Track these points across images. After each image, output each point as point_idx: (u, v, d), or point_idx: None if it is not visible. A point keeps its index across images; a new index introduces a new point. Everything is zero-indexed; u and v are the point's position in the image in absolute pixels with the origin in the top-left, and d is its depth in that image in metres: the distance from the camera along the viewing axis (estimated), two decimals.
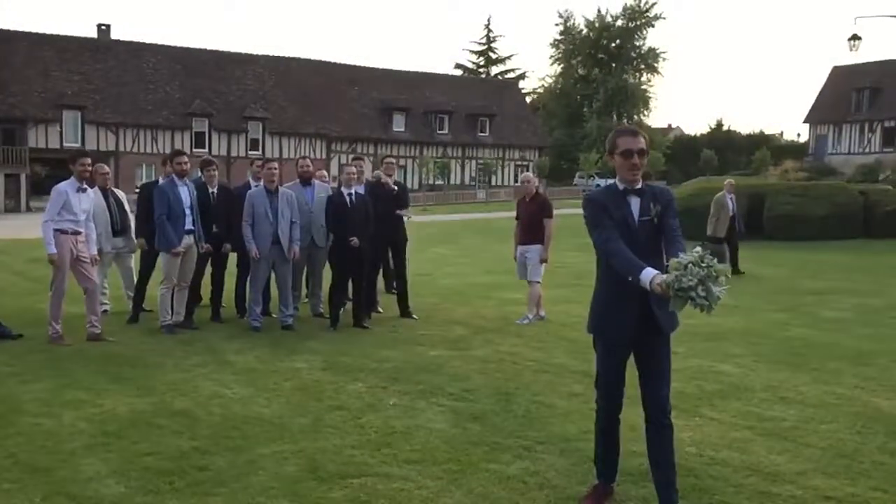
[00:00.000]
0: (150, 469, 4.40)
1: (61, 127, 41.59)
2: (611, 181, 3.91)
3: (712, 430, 5.21)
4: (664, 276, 3.41)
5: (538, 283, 9.32)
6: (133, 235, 9.33)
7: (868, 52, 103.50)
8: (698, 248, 3.42)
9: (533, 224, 9.28)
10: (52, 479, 4.25)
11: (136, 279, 9.33)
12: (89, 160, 7.94)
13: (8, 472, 4.34)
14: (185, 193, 8.30)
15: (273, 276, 8.76)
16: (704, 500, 4.04)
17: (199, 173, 9.13)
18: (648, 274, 3.48)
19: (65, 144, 41.48)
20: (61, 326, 7.76)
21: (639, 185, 3.78)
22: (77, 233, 7.71)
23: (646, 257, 3.67)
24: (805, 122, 56.64)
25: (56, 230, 7.59)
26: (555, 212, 9.49)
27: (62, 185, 7.78)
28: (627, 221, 3.74)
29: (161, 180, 9.07)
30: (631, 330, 3.76)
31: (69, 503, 3.94)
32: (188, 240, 8.31)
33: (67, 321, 8.00)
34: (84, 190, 7.79)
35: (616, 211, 3.74)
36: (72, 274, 7.83)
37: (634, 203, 3.76)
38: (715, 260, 3.36)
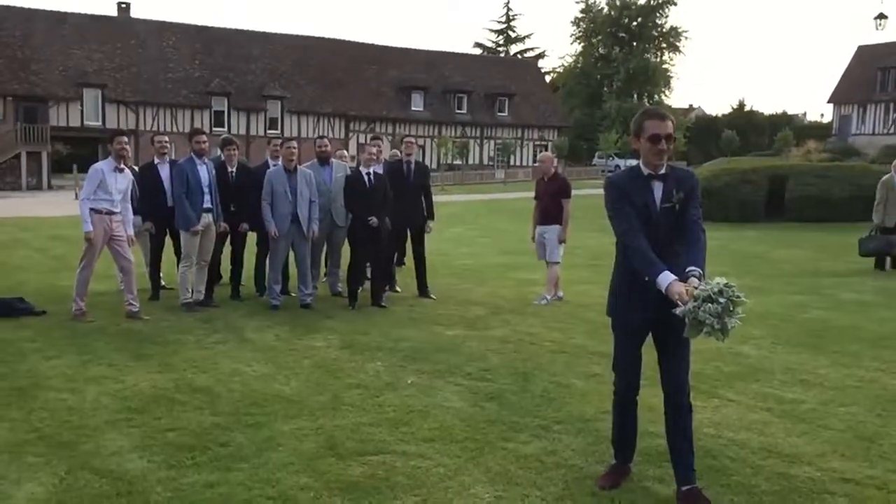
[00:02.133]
0: (172, 444, 4.46)
1: (82, 105, 41.83)
2: (631, 162, 3.88)
3: (731, 412, 5.20)
4: (681, 287, 3.44)
5: (557, 263, 9.31)
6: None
7: (895, 32, 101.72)
8: (719, 279, 3.41)
9: (551, 204, 9.25)
10: (76, 453, 4.32)
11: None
12: (126, 139, 7.97)
13: (33, 446, 4.42)
14: (204, 172, 8.34)
15: (292, 255, 8.80)
16: (722, 481, 4.04)
17: (219, 152, 9.17)
18: (666, 278, 3.50)
19: (86, 123, 41.77)
20: (86, 304, 7.84)
21: (663, 171, 3.74)
22: (112, 213, 7.75)
23: (666, 244, 3.68)
24: (829, 102, 55.90)
25: (91, 209, 7.63)
26: (573, 192, 9.46)
27: (99, 164, 7.84)
28: (649, 208, 3.71)
29: (156, 160, 9.07)
30: (649, 313, 3.75)
31: (93, 477, 4.00)
32: (207, 218, 8.36)
33: (92, 298, 8.08)
34: (121, 170, 7.83)
35: (638, 197, 3.72)
36: (107, 252, 7.90)
37: (657, 188, 3.73)
38: (734, 288, 3.38)
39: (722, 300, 3.34)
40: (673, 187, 3.73)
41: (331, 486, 3.91)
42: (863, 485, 4.03)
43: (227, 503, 3.70)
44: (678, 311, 3.42)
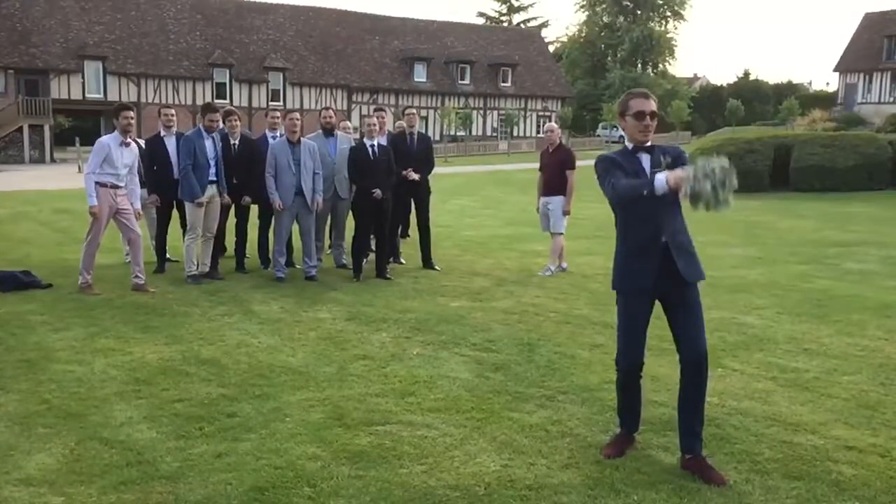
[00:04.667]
0: (180, 415, 4.50)
1: (83, 77, 41.63)
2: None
3: (734, 381, 5.23)
4: (678, 171, 3.49)
5: (561, 234, 9.30)
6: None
7: None
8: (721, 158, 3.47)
9: (556, 175, 9.23)
10: (86, 424, 4.36)
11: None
12: (132, 113, 7.90)
13: (42, 417, 4.46)
14: (210, 145, 8.33)
15: (297, 227, 8.80)
16: (726, 449, 4.07)
17: (222, 124, 9.13)
18: (661, 178, 3.52)
19: (87, 95, 41.60)
20: (92, 276, 7.87)
21: (648, 144, 3.88)
22: (116, 187, 7.73)
23: (662, 210, 3.73)
24: (835, 70, 55.40)
25: (96, 183, 7.62)
26: (577, 163, 9.43)
27: (105, 138, 7.80)
28: (639, 175, 3.79)
29: (162, 132, 9.03)
30: (653, 279, 3.76)
31: (103, 447, 4.04)
32: (211, 190, 8.36)
33: (98, 271, 8.09)
34: (127, 144, 7.79)
35: (628, 166, 3.82)
36: (112, 225, 7.92)
37: (645, 159, 3.85)
38: (726, 161, 3.45)
39: (717, 173, 3.39)
40: (660, 155, 3.84)
41: (338, 456, 3.95)
42: (865, 452, 4.06)
43: (235, 473, 3.74)
44: (675, 176, 3.46)
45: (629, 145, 3.89)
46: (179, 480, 3.67)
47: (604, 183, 3.82)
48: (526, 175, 24.24)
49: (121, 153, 7.69)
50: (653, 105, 3.85)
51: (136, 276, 7.94)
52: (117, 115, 7.78)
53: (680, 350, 3.83)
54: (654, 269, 3.74)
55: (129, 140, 7.80)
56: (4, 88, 39.76)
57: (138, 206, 8.04)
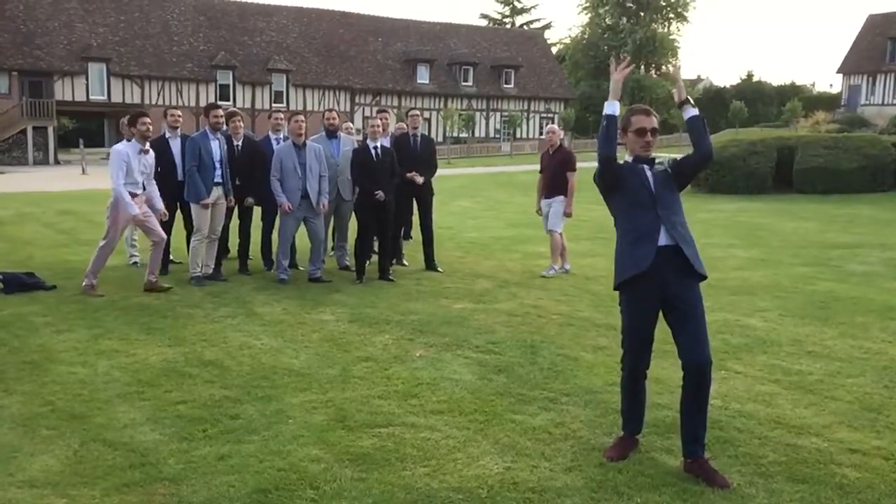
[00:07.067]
0: (184, 417, 4.50)
1: (87, 79, 41.71)
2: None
3: (738, 384, 5.22)
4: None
5: (558, 232, 9.29)
6: None
7: None
8: None
9: (556, 177, 9.24)
10: (89, 425, 4.37)
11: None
12: (149, 119, 7.87)
13: (46, 419, 4.46)
14: (216, 147, 8.34)
15: (305, 230, 8.77)
16: (729, 452, 4.06)
17: (225, 126, 9.13)
18: (607, 105, 3.92)
19: (91, 97, 41.67)
20: (97, 280, 7.87)
21: (650, 157, 4.01)
22: (135, 195, 7.72)
23: (667, 210, 3.82)
24: (838, 72, 55.35)
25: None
26: (578, 165, 9.43)
27: (121, 147, 7.72)
28: (643, 180, 3.89)
29: (167, 134, 9.02)
30: (654, 261, 3.75)
31: (106, 449, 4.04)
32: (217, 191, 8.37)
33: (102, 273, 8.07)
34: (146, 152, 7.79)
35: (631, 174, 3.92)
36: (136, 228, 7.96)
37: (646, 168, 3.95)
38: None
39: None
40: (660, 163, 4.01)
41: (341, 458, 3.95)
42: (869, 455, 4.05)
43: (238, 475, 3.74)
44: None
45: (629, 158, 3.98)
46: (182, 482, 3.67)
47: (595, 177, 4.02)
48: (528, 177, 24.24)
49: (139, 161, 7.70)
50: (654, 122, 3.95)
51: (151, 274, 7.97)
52: (134, 123, 7.75)
53: (682, 357, 3.81)
54: (654, 250, 3.76)
55: (147, 147, 7.80)
56: (8, 90, 39.85)
57: (160, 205, 8.04)
